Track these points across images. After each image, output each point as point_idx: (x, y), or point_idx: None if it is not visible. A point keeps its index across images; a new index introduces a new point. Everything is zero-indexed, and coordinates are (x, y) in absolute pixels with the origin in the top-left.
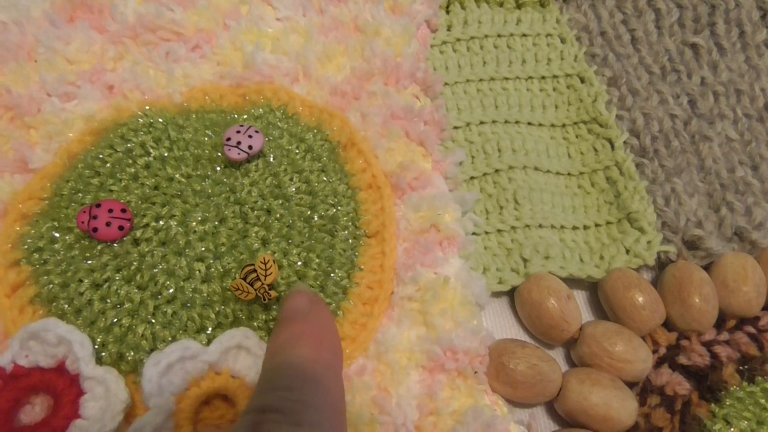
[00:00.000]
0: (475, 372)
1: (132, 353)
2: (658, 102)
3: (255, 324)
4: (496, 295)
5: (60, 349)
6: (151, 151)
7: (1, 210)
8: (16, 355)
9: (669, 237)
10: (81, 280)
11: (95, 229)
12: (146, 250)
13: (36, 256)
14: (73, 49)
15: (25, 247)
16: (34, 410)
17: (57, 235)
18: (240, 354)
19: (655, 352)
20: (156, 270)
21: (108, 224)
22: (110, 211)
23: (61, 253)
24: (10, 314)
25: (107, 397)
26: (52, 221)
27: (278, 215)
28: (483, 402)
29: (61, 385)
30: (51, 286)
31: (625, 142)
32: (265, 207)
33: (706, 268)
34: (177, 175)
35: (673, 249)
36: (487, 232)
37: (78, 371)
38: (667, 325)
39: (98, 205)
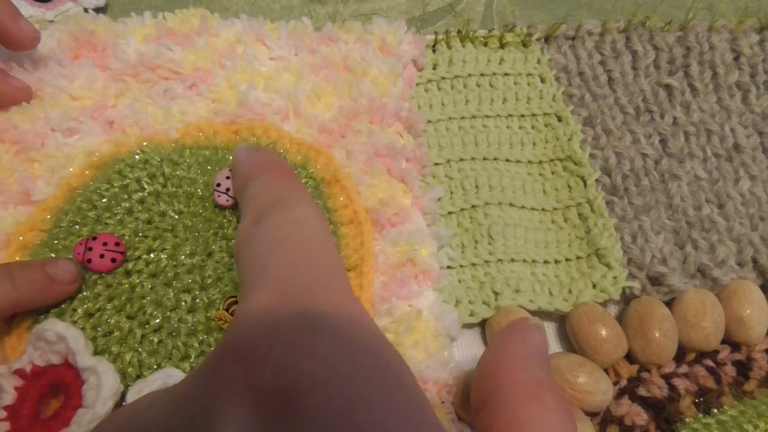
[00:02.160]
0: (442, 402)
1: (120, 380)
2: (631, 141)
3: None
4: (469, 326)
5: (61, 345)
6: (146, 186)
7: (3, 240)
8: (32, 356)
9: (634, 273)
10: (75, 309)
11: (89, 261)
12: (137, 281)
13: None
14: (76, 86)
15: None
16: (48, 404)
17: None
18: None
19: (616, 383)
20: (145, 300)
21: (102, 256)
22: (105, 244)
23: None
24: (9, 341)
25: (99, 384)
26: (51, 252)
27: None
28: (449, 430)
29: (69, 378)
30: (46, 314)
31: (597, 180)
32: None
33: (669, 303)
34: (170, 211)
35: (638, 285)
36: (462, 266)
37: (77, 364)
38: (630, 357)
39: (94, 238)
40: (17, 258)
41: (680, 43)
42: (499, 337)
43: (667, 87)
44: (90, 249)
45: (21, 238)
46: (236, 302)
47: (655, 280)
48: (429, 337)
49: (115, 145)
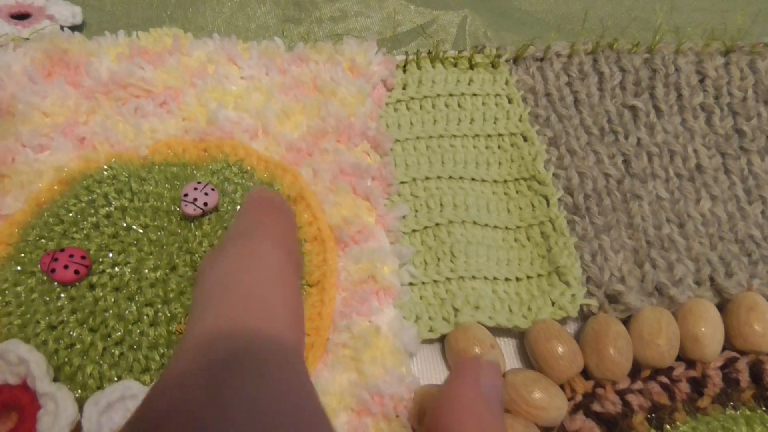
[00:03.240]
0: (397, 416)
1: (80, 392)
2: (594, 161)
3: None
4: (429, 341)
5: (21, 368)
6: (113, 201)
7: None
8: None
9: (593, 291)
10: (38, 321)
11: (53, 270)
12: (100, 294)
13: None
14: (48, 103)
15: None
16: (0, 425)
17: (20, 278)
18: None
19: (571, 399)
20: (107, 314)
21: (66, 267)
22: (71, 256)
23: (23, 295)
24: None
25: (56, 412)
26: (17, 265)
27: None
28: None
29: (24, 401)
30: (11, 326)
31: (559, 200)
32: None
33: (627, 321)
34: (135, 225)
35: (595, 302)
36: (423, 283)
37: (35, 388)
38: (586, 374)
39: (62, 250)
40: None
41: (647, 65)
42: (452, 376)
43: (632, 108)
44: (56, 260)
45: None
46: None
47: (613, 298)
48: (387, 352)
49: (84, 161)
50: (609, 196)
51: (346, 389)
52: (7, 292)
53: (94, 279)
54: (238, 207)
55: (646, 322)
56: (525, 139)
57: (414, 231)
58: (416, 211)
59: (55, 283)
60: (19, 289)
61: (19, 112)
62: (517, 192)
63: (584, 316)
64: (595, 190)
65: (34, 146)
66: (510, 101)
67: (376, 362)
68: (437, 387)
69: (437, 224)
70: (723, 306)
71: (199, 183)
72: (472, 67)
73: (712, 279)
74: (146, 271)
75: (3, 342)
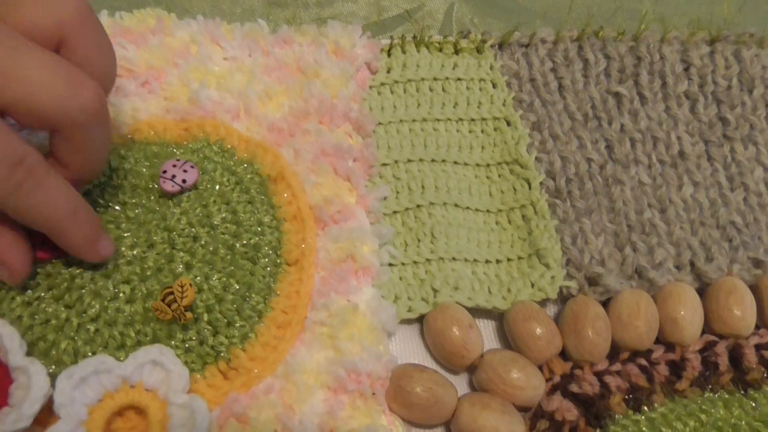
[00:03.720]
0: (373, 393)
1: (54, 367)
2: (577, 146)
3: (173, 342)
4: (408, 321)
5: None
6: None
7: None
8: None
9: (572, 273)
10: (14, 298)
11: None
12: (77, 272)
13: None
14: None
15: None
16: None
17: None
18: (155, 369)
19: (549, 380)
20: (83, 290)
21: (43, 243)
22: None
23: None
24: None
25: (29, 385)
26: None
27: (203, 242)
28: (380, 422)
29: None
30: None
31: (541, 183)
32: (192, 234)
33: (606, 303)
34: (113, 203)
35: (575, 284)
36: (403, 264)
37: (8, 362)
38: (564, 355)
39: None
40: None
41: (632, 52)
42: None
43: (617, 95)
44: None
45: None
46: (172, 293)
47: (592, 281)
48: (365, 330)
49: None
50: (591, 180)
51: (323, 367)
52: None
53: (71, 257)
54: (218, 186)
55: (625, 304)
56: (508, 124)
57: (395, 212)
58: (397, 192)
59: None
60: None
61: None
62: (499, 176)
63: (564, 298)
64: (578, 174)
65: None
66: (494, 86)
67: (353, 340)
68: (415, 367)
69: (418, 206)
70: (703, 290)
71: (178, 160)
72: (457, 52)
73: (692, 263)
74: (123, 248)
75: None
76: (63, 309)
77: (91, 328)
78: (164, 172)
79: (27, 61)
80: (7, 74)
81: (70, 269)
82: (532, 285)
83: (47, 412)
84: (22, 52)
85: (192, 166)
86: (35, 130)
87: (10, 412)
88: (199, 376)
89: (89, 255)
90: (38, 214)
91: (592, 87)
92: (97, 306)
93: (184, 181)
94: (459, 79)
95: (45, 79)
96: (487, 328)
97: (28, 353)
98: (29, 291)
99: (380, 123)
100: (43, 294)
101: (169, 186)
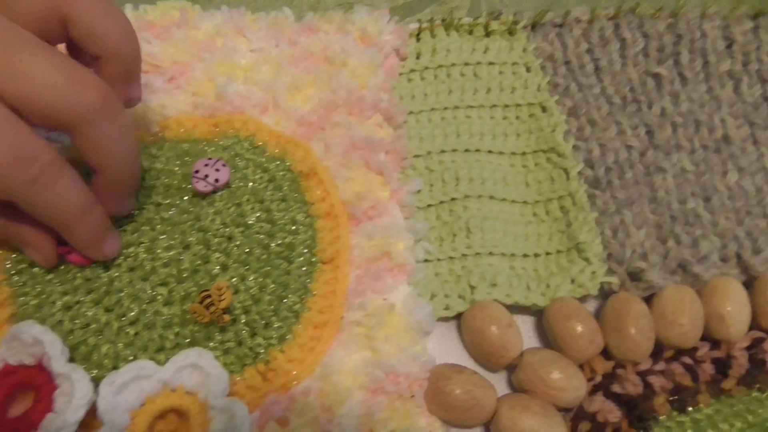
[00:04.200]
0: (412, 395)
1: (96, 371)
2: (616, 133)
3: (210, 344)
4: (444, 319)
5: (36, 348)
6: None
7: None
8: (5, 354)
9: (613, 268)
10: (54, 302)
11: (69, 252)
12: (115, 275)
13: (16, 278)
14: None
15: (7, 269)
16: (17, 405)
17: None
18: (194, 372)
19: (591, 379)
20: (122, 294)
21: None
22: None
23: (39, 276)
24: None
25: (72, 392)
26: None
27: (238, 242)
28: (419, 423)
29: (40, 381)
30: (26, 306)
31: (579, 173)
32: (226, 234)
33: (649, 299)
34: (147, 203)
35: (616, 280)
36: (439, 259)
37: (51, 368)
38: (606, 354)
39: None
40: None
41: (671, 30)
42: None
43: (656, 76)
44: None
45: None
46: (209, 296)
47: (635, 276)
48: (401, 331)
49: None
50: (631, 168)
51: (360, 368)
52: (23, 272)
53: (109, 260)
54: (251, 184)
55: (669, 301)
56: (544, 110)
57: (429, 206)
58: (431, 185)
59: (70, 265)
60: (35, 270)
61: None
62: (535, 165)
63: (605, 294)
64: (617, 162)
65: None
66: (528, 70)
67: (390, 340)
68: (453, 368)
69: (453, 199)
70: (750, 283)
71: (210, 159)
72: (488, 34)
73: (738, 255)
74: (159, 250)
75: (18, 323)
76: (103, 312)
77: (131, 331)
78: (196, 171)
79: (31, 60)
80: (12, 73)
81: (108, 272)
82: (572, 281)
83: (91, 416)
84: (26, 50)
85: (224, 165)
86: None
87: (54, 419)
88: (238, 377)
89: (93, 253)
90: (48, 211)
91: (630, 68)
92: (136, 309)
93: (216, 180)
94: (491, 63)
95: (49, 77)
96: (525, 324)
97: (70, 358)
98: (68, 296)
99: (411, 112)
100: (82, 298)
101: (201, 186)
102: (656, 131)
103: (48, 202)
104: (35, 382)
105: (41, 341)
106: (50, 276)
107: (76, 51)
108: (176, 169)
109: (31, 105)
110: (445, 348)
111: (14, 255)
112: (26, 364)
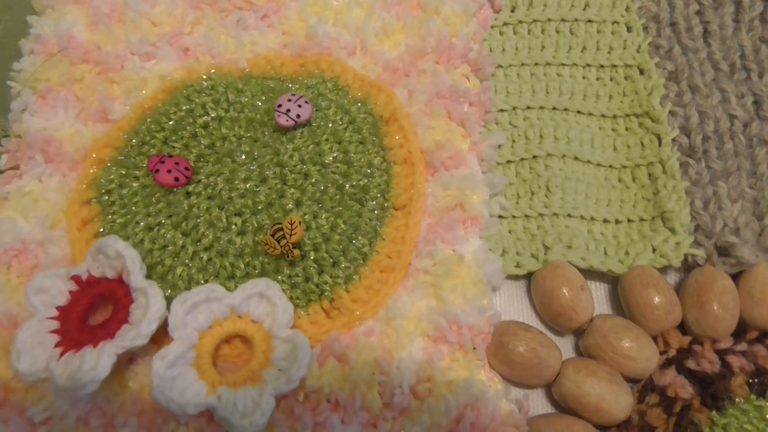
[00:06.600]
0: (474, 348)
1: (169, 291)
2: (719, 101)
3: (279, 277)
4: (514, 278)
5: (118, 262)
6: (210, 112)
7: (82, 154)
8: (90, 266)
9: (701, 241)
10: (138, 222)
11: (157, 171)
12: (195, 202)
13: (105, 197)
14: (157, 12)
15: (97, 188)
16: (96, 314)
17: (125, 181)
18: (261, 302)
19: (664, 353)
20: (199, 220)
21: (169, 171)
22: (177, 164)
23: (126, 197)
24: (78, 245)
25: (147, 306)
26: (122, 168)
27: (314, 180)
28: (479, 377)
29: (119, 294)
30: (113, 224)
31: (673, 140)
32: (303, 171)
33: (736, 276)
34: (230, 135)
35: (702, 253)
36: (514, 216)
37: (129, 283)
38: (683, 328)
39: (171, 156)
40: (92, 171)
41: None
42: None
43: None
44: (163, 162)
45: (94, 155)
46: (281, 229)
47: (723, 251)
48: (469, 282)
49: (187, 71)
50: (732, 139)
51: (425, 315)
52: (112, 192)
53: (191, 188)
54: (331, 125)
55: (759, 280)
56: (641, 72)
57: (509, 162)
58: (513, 141)
59: (155, 189)
60: (124, 191)
61: (130, 19)
62: (626, 129)
63: (688, 267)
64: (717, 132)
65: (142, 54)
66: (629, 30)
67: (456, 291)
68: (520, 325)
69: (535, 156)
70: None
71: (293, 95)
72: None
73: None
74: (237, 182)
75: (104, 237)
76: (180, 236)
77: (205, 256)
78: (279, 106)
79: None
80: None
81: (189, 200)
82: (654, 250)
83: (162, 332)
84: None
85: (306, 102)
86: None
87: (129, 329)
88: (302, 312)
89: None
90: None
91: (743, 33)
92: (211, 236)
93: (298, 116)
94: (590, 20)
95: None
96: (598, 291)
97: (148, 276)
98: (151, 217)
99: (500, 66)
100: (163, 220)
101: (283, 120)
102: (765, 102)
103: None
104: (115, 295)
105: (123, 256)
106: (136, 198)
107: None
108: (260, 104)
109: None
110: (512, 307)
111: (105, 175)
112: (108, 277)
